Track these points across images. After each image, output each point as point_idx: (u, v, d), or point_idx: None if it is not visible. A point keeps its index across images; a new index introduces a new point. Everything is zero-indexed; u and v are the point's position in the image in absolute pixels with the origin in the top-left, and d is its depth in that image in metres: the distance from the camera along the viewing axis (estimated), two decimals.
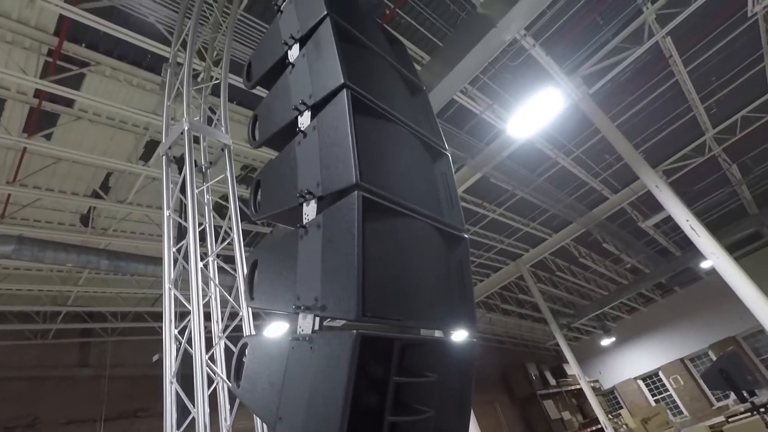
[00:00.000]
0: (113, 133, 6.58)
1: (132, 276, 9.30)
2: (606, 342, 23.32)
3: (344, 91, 1.45)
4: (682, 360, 21.84)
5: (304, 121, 1.59)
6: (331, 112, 1.48)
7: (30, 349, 9.48)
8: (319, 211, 1.40)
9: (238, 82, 5.83)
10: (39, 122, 6.03)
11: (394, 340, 1.27)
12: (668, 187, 7.92)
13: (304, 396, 1.17)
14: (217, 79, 3.78)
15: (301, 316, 1.29)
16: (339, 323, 1.50)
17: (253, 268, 1.56)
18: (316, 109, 1.55)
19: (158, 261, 8.20)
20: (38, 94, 5.73)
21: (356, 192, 1.28)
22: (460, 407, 1.51)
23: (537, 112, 7.49)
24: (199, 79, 4.05)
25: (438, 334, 1.50)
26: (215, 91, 4.57)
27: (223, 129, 3.24)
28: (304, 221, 1.42)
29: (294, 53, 1.76)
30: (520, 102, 7.70)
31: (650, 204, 12.99)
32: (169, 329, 2.28)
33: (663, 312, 23.23)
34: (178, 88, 3.19)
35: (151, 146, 7.04)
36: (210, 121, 3.82)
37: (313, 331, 1.23)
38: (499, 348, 23.71)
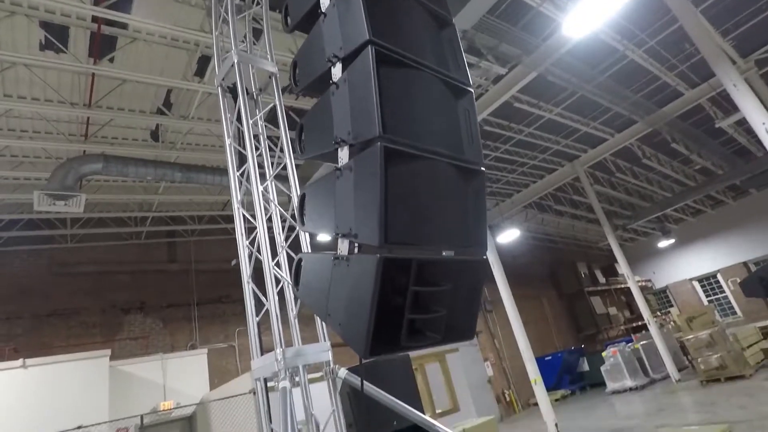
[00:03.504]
0: (167, 52, 6.90)
1: (203, 185, 10.27)
2: (664, 243, 22.91)
3: (369, 47, 1.62)
4: (745, 263, 21.19)
5: (337, 72, 1.78)
6: (358, 67, 1.66)
7: (129, 248, 11.13)
8: (351, 156, 1.68)
9: None
10: (101, 47, 6.44)
11: (412, 260, 1.61)
12: (747, 85, 7.15)
13: (344, 300, 1.58)
14: (259, 2, 3.84)
15: (340, 240, 1.65)
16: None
17: (302, 200, 1.91)
18: (346, 61, 1.74)
19: (223, 171, 8.97)
20: (96, 19, 6.05)
21: (379, 143, 1.53)
22: (469, 309, 1.89)
23: (603, 1, 6.74)
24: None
25: (453, 253, 1.81)
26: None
27: (268, 57, 3.42)
28: (339, 164, 1.71)
29: (325, 2, 1.89)
30: None
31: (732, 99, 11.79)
32: (241, 241, 2.80)
33: (732, 215, 22.05)
34: (224, 16, 3.36)
35: (203, 62, 7.33)
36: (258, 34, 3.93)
37: (350, 253, 1.59)
38: (551, 247, 24.09)
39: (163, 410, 8.53)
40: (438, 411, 9.52)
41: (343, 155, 1.71)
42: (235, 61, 2.98)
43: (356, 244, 1.60)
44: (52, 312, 9.40)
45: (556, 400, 15.80)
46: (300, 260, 1.88)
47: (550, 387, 16.49)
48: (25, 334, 8.87)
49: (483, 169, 1.93)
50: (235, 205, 2.88)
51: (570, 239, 24.88)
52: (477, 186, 1.91)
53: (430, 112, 1.85)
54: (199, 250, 12.29)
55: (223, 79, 3.15)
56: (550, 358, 17.46)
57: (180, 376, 8.93)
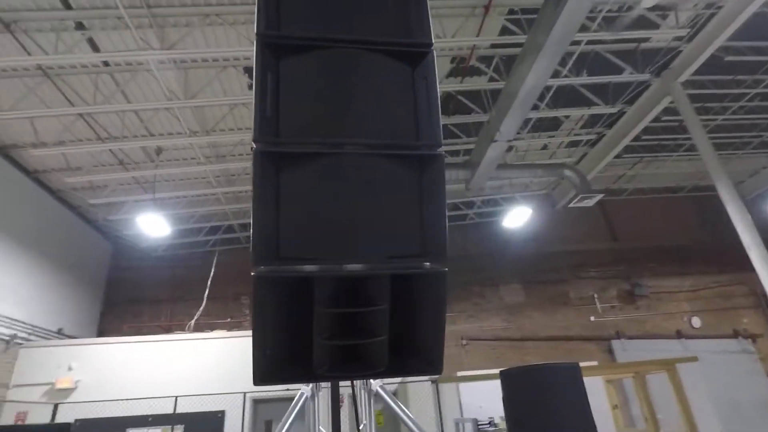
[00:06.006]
0: None
1: None
2: None
3: (256, 38, 1.46)
4: None
5: None
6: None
7: None
8: None
9: None
10: None
11: (314, 277, 1.39)
12: None
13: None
14: None
15: None
16: None
17: None
18: None
19: None
20: None
21: (252, 149, 1.37)
22: (431, 334, 1.48)
23: None
24: None
25: (396, 267, 1.45)
26: None
27: None
28: None
29: None
30: None
31: None
32: None
33: None
34: None
35: None
36: None
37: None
38: None
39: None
40: None
41: None
42: None
43: None
44: None
45: None
46: None
47: None
48: None
49: (441, 152, 1.47)
50: None
51: None
52: (433, 175, 1.48)
53: (360, 95, 1.52)
54: None
55: None
56: None
57: None
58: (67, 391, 8.67)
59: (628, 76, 9.19)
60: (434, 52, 1.58)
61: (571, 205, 9.17)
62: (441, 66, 8.31)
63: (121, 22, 5.92)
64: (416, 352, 1.50)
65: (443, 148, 1.52)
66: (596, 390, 9.12)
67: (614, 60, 8.77)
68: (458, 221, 14.01)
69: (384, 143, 1.48)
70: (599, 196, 8.87)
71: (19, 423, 8.21)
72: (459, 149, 10.98)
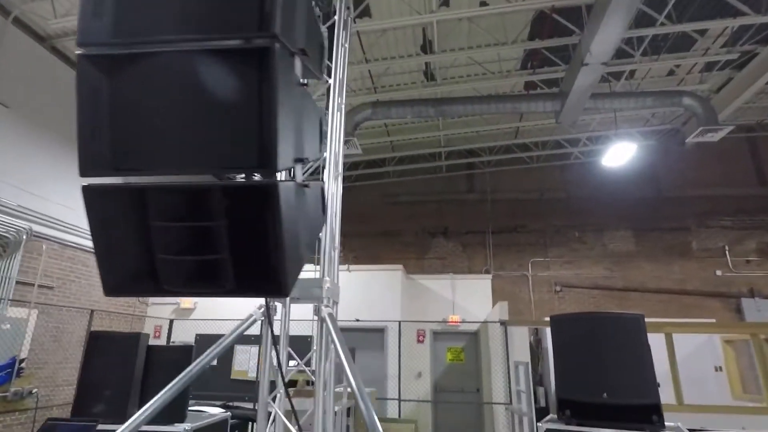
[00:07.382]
0: None
1: (481, 116, 10.33)
2: None
3: None
4: None
5: None
6: None
7: (435, 180, 12.75)
8: None
9: None
10: (356, 6, 7.40)
11: (145, 189, 1.33)
12: None
13: None
14: None
15: None
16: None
17: None
18: None
19: (483, 99, 8.70)
20: None
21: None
22: (275, 254, 1.33)
23: None
24: None
25: (236, 178, 1.31)
26: None
27: None
28: None
29: None
30: None
31: None
32: None
33: None
34: None
35: None
36: None
37: None
38: None
39: (451, 322, 9.76)
40: None
41: None
42: None
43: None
44: (382, 232, 12.22)
45: None
46: None
47: None
48: (364, 248, 12.03)
49: (272, 45, 1.23)
50: None
51: None
52: (266, 73, 1.26)
53: None
54: (494, 181, 12.61)
55: None
56: None
57: (466, 295, 9.85)
58: (189, 310, 10.37)
59: None
60: None
61: (690, 140, 7.53)
62: None
63: None
64: (263, 273, 1.39)
65: (284, 41, 1.28)
66: (712, 350, 7.91)
67: None
68: (560, 160, 12.67)
69: (213, 37, 1.30)
70: (727, 129, 7.09)
71: (156, 335, 10.19)
72: (557, 77, 9.65)
